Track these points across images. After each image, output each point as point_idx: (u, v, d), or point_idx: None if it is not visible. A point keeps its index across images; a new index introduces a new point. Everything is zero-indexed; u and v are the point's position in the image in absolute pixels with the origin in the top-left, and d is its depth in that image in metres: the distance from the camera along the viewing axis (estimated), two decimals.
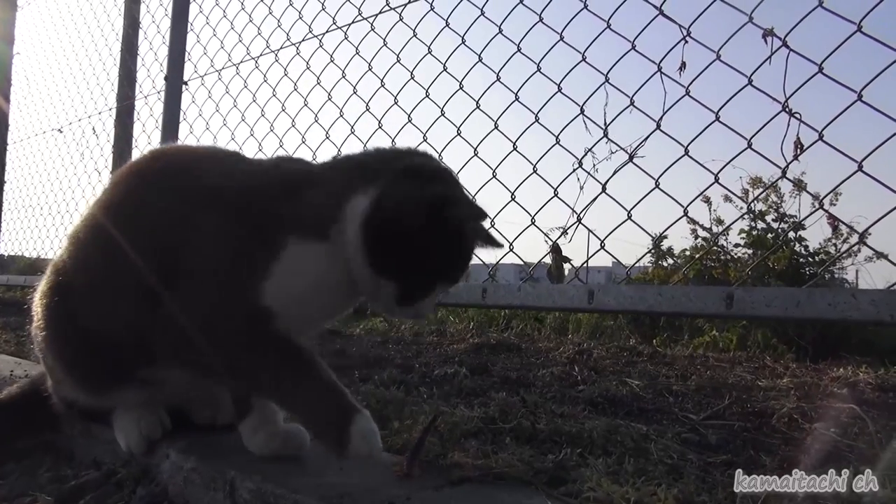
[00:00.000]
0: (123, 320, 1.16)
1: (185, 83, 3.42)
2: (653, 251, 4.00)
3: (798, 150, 1.70)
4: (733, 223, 4.10)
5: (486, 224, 1.17)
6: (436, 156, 2.35)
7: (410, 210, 1.04)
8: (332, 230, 1.07)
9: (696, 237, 3.95)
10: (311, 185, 1.13)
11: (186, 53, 3.42)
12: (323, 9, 2.97)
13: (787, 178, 1.85)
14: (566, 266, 2.56)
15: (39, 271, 1.37)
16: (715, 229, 3.83)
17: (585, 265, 2.48)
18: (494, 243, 1.18)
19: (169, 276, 1.10)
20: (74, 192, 4.70)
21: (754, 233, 3.73)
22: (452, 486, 1.04)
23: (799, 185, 2.90)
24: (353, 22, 2.81)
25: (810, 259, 3.63)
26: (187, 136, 3.47)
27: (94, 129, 4.39)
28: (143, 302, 1.11)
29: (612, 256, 2.14)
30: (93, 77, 4.63)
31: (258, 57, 3.26)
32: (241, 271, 1.07)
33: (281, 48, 3.15)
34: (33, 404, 1.39)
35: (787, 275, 3.46)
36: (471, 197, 1.24)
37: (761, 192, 3.50)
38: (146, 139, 3.88)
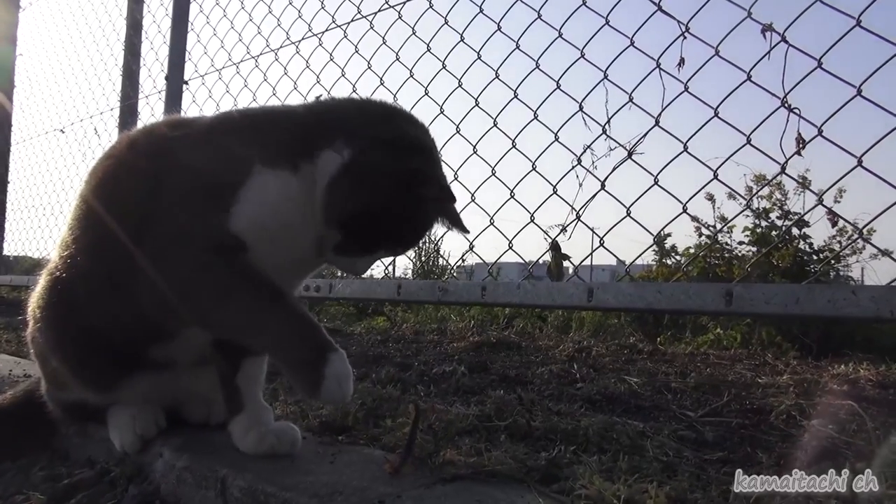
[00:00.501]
0: (123, 298, 1.14)
1: (186, 83, 3.43)
2: (656, 249, 3.99)
3: (799, 146, 1.69)
4: (733, 219, 4.08)
5: (456, 207, 1.18)
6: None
7: (380, 182, 1.05)
8: (302, 168, 1.07)
9: (700, 235, 3.93)
10: (287, 123, 1.14)
11: (187, 53, 3.43)
12: (322, 7, 2.97)
13: (787, 175, 1.84)
14: (566, 264, 2.56)
15: (40, 272, 1.37)
16: (718, 226, 3.80)
17: (590, 263, 2.47)
18: (461, 227, 1.19)
19: (146, 226, 1.10)
20: (77, 192, 4.70)
21: (758, 230, 3.71)
22: (444, 484, 1.04)
23: (802, 183, 2.88)
24: (352, 20, 2.81)
25: (815, 256, 3.61)
26: None
27: (95, 129, 4.41)
28: (136, 271, 1.10)
29: (613, 254, 2.13)
30: (94, 77, 4.65)
31: (258, 56, 3.26)
32: (208, 200, 1.06)
33: (281, 47, 3.15)
34: (29, 410, 1.39)
35: (792, 272, 3.43)
36: (444, 174, 1.23)
37: (760, 188, 3.47)
38: None
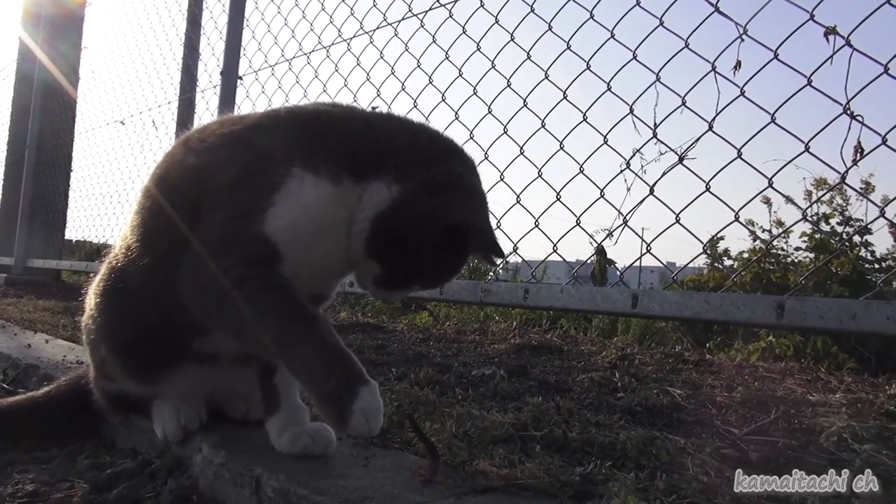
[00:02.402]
0: (171, 291, 1.15)
1: (240, 78, 3.49)
2: (707, 253, 3.88)
3: (858, 155, 1.62)
4: (792, 226, 3.93)
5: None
6: (481, 154, 2.38)
7: (429, 229, 1.05)
8: (344, 183, 1.07)
9: (755, 239, 3.81)
10: (336, 131, 1.12)
11: (242, 49, 3.49)
12: (374, 5, 2.99)
13: (846, 184, 1.77)
14: (612, 269, 2.51)
15: (101, 258, 1.41)
16: (774, 231, 3.68)
17: (638, 265, 2.43)
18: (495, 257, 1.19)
19: (193, 224, 1.12)
20: (135, 181, 4.87)
21: (817, 236, 3.57)
22: (475, 495, 1.03)
23: (864, 193, 2.76)
24: (403, 18, 2.81)
25: (876, 265, 3.46)
26: None
27: (153, 121, 4.54)
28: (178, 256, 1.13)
29: (659, 260, 2.08)
30: (154, 71, 4.79)
31: (310, 53, 3.30)
32: (245, 200, 1.07)
33: (332, 44, 3.18)
34: (79, 398, 1.44)
35: (851, 281, 3.30)
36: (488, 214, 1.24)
37: (822, 195, 3.34)
38: None
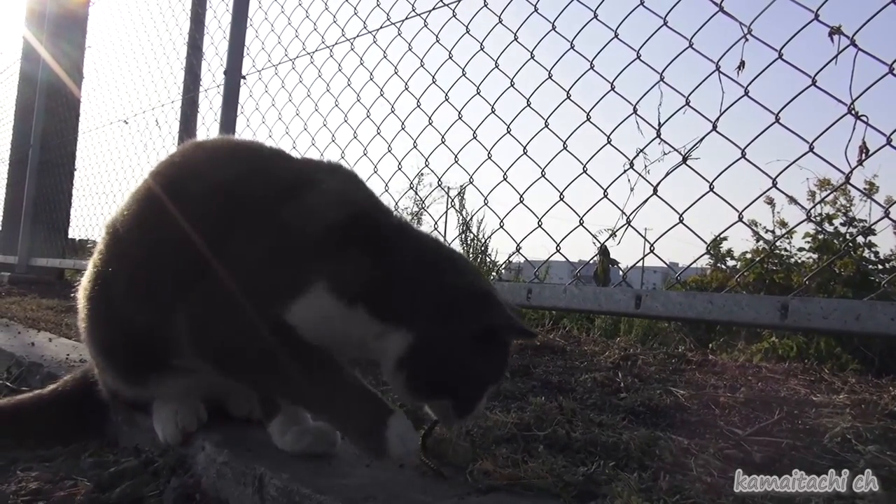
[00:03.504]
0: (156, 307, 1.17)
1: (244, 77, 3.49)
2: (711, 253, 3.88)
3: (863, 156, 1.61)
4: (795, 227, 3.92)
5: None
6: (485, 154, 2.37)
7: (461, 347, 1.07)
8: (360, 311, 1.07)
9: (758, 240, 3.80)
10: (363, 244, 1.11)
11: (245, 48, 3.49)
12: (378, 5, 2.99)
13: (851, 185, 1.76)
14: (615, 269, 2.51)
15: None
16: (778, 232, 3.67)
17: (642, 265, 2.42)
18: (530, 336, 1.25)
19: (200, 266, 1.11)
20: (138, 180, 4.86)
21: (820, 237, 3.56)
22: (479, 495, 1.03)
23: (868, 193, 2.75)
24: (406, 18, 2.81)
25: (880, 266, 3.45)
26: (244, 129, 3.55)
27: (156, 120, 4.54)
28: (175, 288, 1.14)
29: (662, 261, 2.07)
30: (157, 70, 4.79)
31: (313, 52, 3.30)
32: (273, 287, 1.08)
33: (336, 44, 3.18)
34: (82, 396, 1.44)
35: (855, 282, 3.29)
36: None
37: (826, 195, 3.33)
38: (205, 131, 3.99)
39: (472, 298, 1.10)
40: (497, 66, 2.46)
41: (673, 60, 1.99)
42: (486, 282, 1.21)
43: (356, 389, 1.05)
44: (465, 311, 1.07)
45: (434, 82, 2.68)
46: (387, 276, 1.09)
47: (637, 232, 2.15)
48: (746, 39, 1.83)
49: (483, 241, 4.94)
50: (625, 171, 2.10)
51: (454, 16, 2.61)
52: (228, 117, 3.40)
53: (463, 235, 4.42)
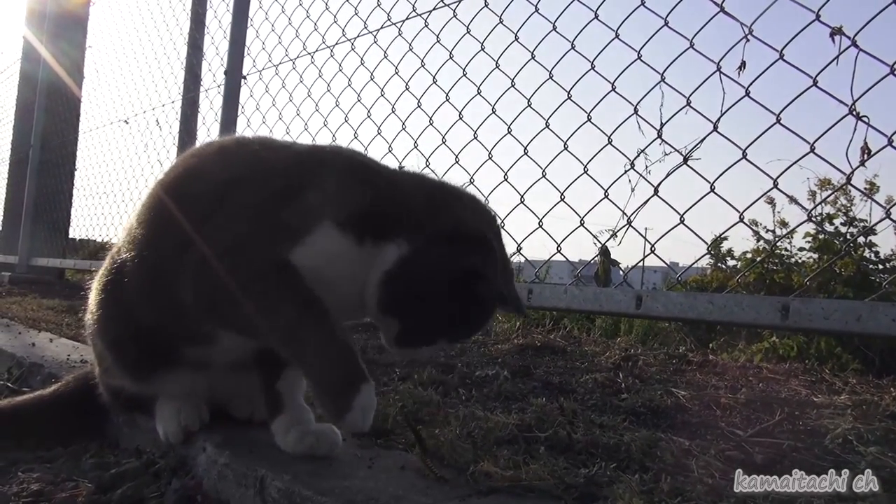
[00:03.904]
0: (169, 293, 1.17)
1: (244, 77, 3.49)
2: (711, 254, 3.87)
3: (864, 156, 1.61)
4: (796, 228, 3.92)
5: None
6: (485, 154, 2.37)
7: (434, 278, 1.07)
8: (366, 244, 1.09)
9: (759, 240, 3.79)
10: (365, 190, 1.14)
11: (246, 48, 3.49)
12: (378, 5, 2.98)
13: (851, 185, 1.76)
14: (616, 269, 2.51)
15: (104, 256, 1.42)
16: (778, 232, 3.67)
17: (642, 265, 2.42)
18: (520, 311, 1.22)
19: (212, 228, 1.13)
20: (139, 180, 4.88)
21: (821, 237, 3.56)
22: (480, 497, 1.03)
23: (868, 193, 2.75)
24: (406, 18, 2.81)
25: (881, 266, 3.45)
26: (244, 130, 3.55)
27: (157, 120, 4.54)
28: (186, 271, 1.14)
29: (662, 261, 2.07)
30: (157, 70, 4.79)
31: (314, 52, 3.30)
32: (279, 230, 1.09)
33: (336, 44, 3.18)
34: (83, 397, 1.45)
35: (855, 282, 3.29)
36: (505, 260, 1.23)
37: (827, 196, 3.33)
38: (206, 131, 3.99)
39: (469, 237, 1.11)
40: (498, 67, 2.46)
41: (674, 61, 1.99)
42: (491, 227, 1.20)
43: (342, 346, 1.05)
44: (456, 246, 1.09)
45: (435, 82, 2.68)
46: (386, 197, 1.12)
47: (638, 232, 2.15)
48: (748, 40, 1.83)
49: None
50: (626, 171, 2.10)
51: (455, 16, 2.61)
52: (229, 117, 3.40)
53: None
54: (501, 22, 2.46)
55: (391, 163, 2.77)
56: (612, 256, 2.49)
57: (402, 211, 1.12)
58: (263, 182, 1.16)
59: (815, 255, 3.61)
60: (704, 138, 1.92)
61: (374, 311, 1.12)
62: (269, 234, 1.10)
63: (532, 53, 2.35)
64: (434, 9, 2.68)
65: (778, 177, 1.76)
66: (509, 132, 2.39)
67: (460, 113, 2.56)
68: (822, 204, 3.39)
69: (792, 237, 3.66)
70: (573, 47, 2.23)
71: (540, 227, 2.26)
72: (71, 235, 6.30)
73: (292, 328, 1.06)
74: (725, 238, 3.77)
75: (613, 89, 2.12)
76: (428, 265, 1.08)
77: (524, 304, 1.19)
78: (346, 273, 1.10)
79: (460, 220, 1.14)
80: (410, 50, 2.80)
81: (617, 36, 2.12)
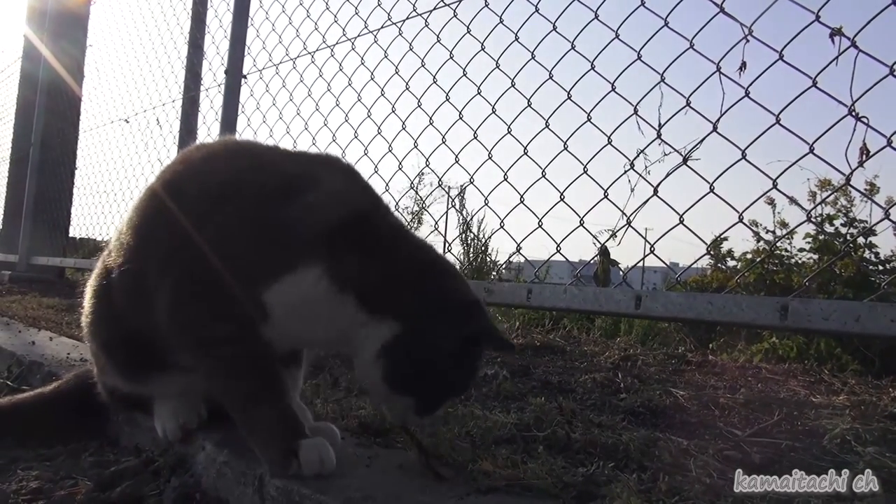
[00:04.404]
0: (151, 307, 1.17)
1: (245, 76, 3.49)
2: (711, 254, 3.87)
3: (864, 157, 1.61)
4: (796, 228, 3.92)
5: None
6: (485, 154, 2.37)
7: (446, 347, 1.09)
8: (350, 299, 1.10)
9: (759, 240, 3.80)
10: (367, 247, 1.13)
11: (246, 48, 3.49)
12: (378, 5, 2.98)
13: (851, 186, 1.76)
14: (616, 269, 2.51)
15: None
16: (778, 232, 3.67)
17: (642, 265, 2.42)
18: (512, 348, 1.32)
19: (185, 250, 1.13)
20: (139, 179, 4.88)
21: (821, 237, 3.56)
22: (478, 495, 1.03)
23: (868, 194, 2.75)
24: (406, 18, 2.81)
25: (880, 267, 3.45)
26: (245, 129, 3.55)
27: (157, 119, 4.54)
28: (162, 294, 1.15)
29: (662, 261, 2.07)
30: (158, 69, 4.79)
31: (314, 52, 3.30)
32: (261, 263, 1.10)
33: (336, 43, 3.18)
34: (83, 396, 1.45)
35: (855, 282, 3.29)
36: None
37: (826, 196, 3.33)
38: (206, 131, 3.99)
39: (464, 304, 1.14)
40: (498, 67, 2.46)
41: (674, 61, 1.99)
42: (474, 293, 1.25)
43: (282, 417, 1.11)
44: (457, 315, 1.11)
45: (435, 82, 2.68)
46: (382, 269, 1.12)
47: (637, 232, 2.15)
48: (747, 40, 1.82)
49: (483, 240, 4.94)
50: (625, 171, 2.10)
51: (455, 16, 2.61)
52: (229, 116, 3.40)
53: (463, 235, 4.42)
54: (502, 22, 2.46)
55: (391, 163, 2.79)
56: (612, 257, 2.49)
57: (397, 286, 1.12)
58: (245, 206, 1.15)
59: (816, 256, 3.61)
60: (704, 139, 1.92)
61: (377, 384, 1.12)
62: (254, 265, 1.10)
63: (532, 53, 2.35)
64: (434, 8, 2.68)
65: (777, 177, 1.76)
66: (509, 132, 2.39)
67: (460, 113, 2.56)
68: (823, 205, 3.40)
69: (792, 238, 3.66)
70: (573, 47, 2.23)
71: (539, 227, 2.26)
72: (71, 234, 6.30)
73: (236, 404, 1.14)
74: (725, 238, 3.77)
75: (613, 89, 2.12)
76: (435, 339, 1.10)
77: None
78: (326, 317, 1.11)
79: (454, 288, 1.17)
80: (411, 50, 2.80)
81: (617, 36, 2.12)
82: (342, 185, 1.22)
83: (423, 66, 2.73)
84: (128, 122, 5.02)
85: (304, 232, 1.11)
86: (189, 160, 1.32)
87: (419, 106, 2.73)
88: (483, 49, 2.52)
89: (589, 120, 2.16)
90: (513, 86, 2.41)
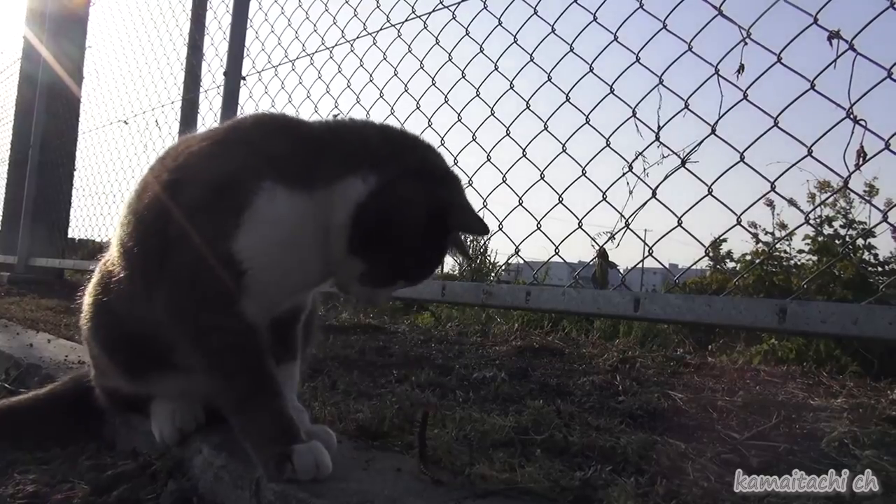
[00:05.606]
0: (149, 306, 1.17)
1: (244, 78, 3.49)
2: (710, 256, 3.87)
3: (861, 160, 1.61)
4: (795, 230, 3.92)
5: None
6: (484, 156, 2.37)
7: (411, 212, 1.05)
8: (318, 191, 1.06)
9: (758, 242, 3.79)
10: (305, 139, 1.12)
11: (245, 49, 3.49)
12: (377, 6, 2.99)
13: (849, 189, 1.76)
14: (615, 271, 2.51)
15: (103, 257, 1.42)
16: (777, 234, 3.67)
17: (641, 267, 2.42)
18: (485, 230, 1.18)
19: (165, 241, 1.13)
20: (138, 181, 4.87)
21: (820, 239, 3.56)
22: (475, 499, 1.03)
23: (867, 196, 2.75)
24: (406, 20, 2.81)
25: (879, 269, 3.45)
26: None
27: (157, 121, 4.54)
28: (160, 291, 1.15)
29: (661, 263, 2.07)
30: (157, 71, 4.79)
31: (313, 54, 3.30)
32: (212, 222, 1.07)
33: (335, 45, 3.18)
34: (80, 398, 1.45)
35: (854, 284, 3.29)
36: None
37: (825, 199, 3.33)
38: None
39: (440, 172, 1.12)
40: (496, 69, 2.47)
41: (672, 63, 1.99)
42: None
43: (277, 418, 1.09)
44: (428, 180, 1.09)
45: (433, 84, 2.68)
46: (342, 142, 1.10)
47: (636, 235, 2.15)
48: (746, 43, 1.83)
49: (482, 242, 4.94)
50: (624, 173, 2.10)
51: (454, 18, 2.61)
52: (228, 118, 3.39)
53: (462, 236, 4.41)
54: (500, 24, 2.46)
55: None
56: (611, 258, 2.49)
57: (355, 148, 1.10)
58: (196, 180, 1.14)
59: (814, 258, 3.61)
60: (702, 141, 1.92)
61: (340, 253, 1.08)
62: (206, 232, 1.07)
63: (531, 55, 2.35)
64: (433, 10, 2.69)
65: (776, 179, 1.77)
66: (508, 134, 2.39)
67: (459, 115, 2.56)
68: (822, 206, 3.40)
69: (791, 239, 3.66)
70: (572, 50, 2.23)
71: (538, 228, 2.26)
72: (70, 235, 6.30)
73: (227, 394, 1.13)
74: (724, 240, 3.77)
75: (612, 92, 2.12)
76: (404, 198, 1.06)
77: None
78: (304, 232, 1.08)
79: (427, 158, 1.14)
80: (409, 51, 2.80)
81: (615, 38, 2.12)
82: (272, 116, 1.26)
83: (421, 67, 2.74)
84: (127, 123, 5.03)
85: (251, 162, 1.10)
86: (172, 154, 1.32)
87: (418, 108, 2.74)
88: (482, 51, 2.52)
89: (587, 122, 2.17)
90: (511, 88, 2.41)
